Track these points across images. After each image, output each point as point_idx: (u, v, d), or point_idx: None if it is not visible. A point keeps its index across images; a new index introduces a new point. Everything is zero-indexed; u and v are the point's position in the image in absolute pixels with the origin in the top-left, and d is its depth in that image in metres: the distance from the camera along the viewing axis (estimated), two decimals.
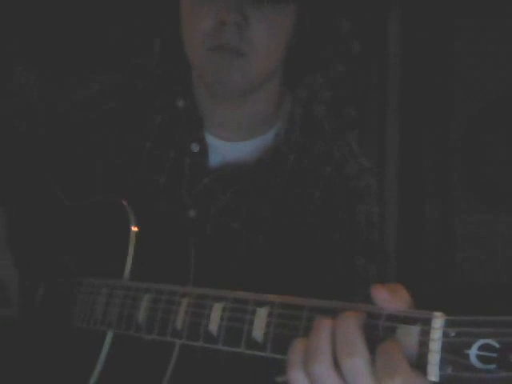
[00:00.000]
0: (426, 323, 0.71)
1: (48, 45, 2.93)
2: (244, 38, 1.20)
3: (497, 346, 0.65)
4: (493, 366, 0.65)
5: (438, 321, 0.70)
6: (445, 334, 0.69)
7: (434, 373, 0.69)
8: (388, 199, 3.54)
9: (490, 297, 3.33)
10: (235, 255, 1.31)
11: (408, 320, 0.73)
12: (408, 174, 3.62)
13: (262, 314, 0.87)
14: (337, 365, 0.75)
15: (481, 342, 0.65)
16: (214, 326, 0.93)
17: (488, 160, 3.52)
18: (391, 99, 3.62)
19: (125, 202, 1.22)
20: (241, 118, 1.37)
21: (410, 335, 0.71)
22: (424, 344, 0.70)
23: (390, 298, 0.75)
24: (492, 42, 3.46)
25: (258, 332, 0.87)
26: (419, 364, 0.71)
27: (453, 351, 0.68)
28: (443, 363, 0.68)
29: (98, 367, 1.09)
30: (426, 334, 0.70)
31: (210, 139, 1.36)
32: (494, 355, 0.65)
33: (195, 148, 1.35)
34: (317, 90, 1.44)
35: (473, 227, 3.51)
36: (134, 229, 1.17)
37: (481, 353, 0.66)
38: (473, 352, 0.66)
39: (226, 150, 1.37)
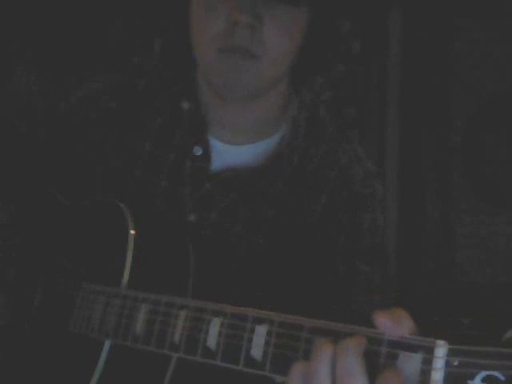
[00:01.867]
0: (429, 351, 0.69)
1: (48, 45, 2.93)
2: (256, 39, 1.18)
3: (502, 378, 0.63)
4: None
5: (441, 349, 0.68)
6: (447, 364, 0.67)
7: None
8: (388, 199, 3.53)
9: (489, 297, 3.32)
10: (236, 257, 1.30)
11: (410, 347, 0.71)
12: (408, 174, 3.61)
13: (260, 332, 0.86)
14: None
15: (485, 373, 0.63)
16: (212, 342, 0.92)
17: (488, 160, 3.51)
18: (391, 99, 3.60)
19: (123, 205, 1.20)
20: (247, 121, 1.35)
21: (411, 363, 0.70)
22: (426, 373, 0.68)
23: (391, 325, 0.73)
24: (492, 41, 3.45)
25: (256, 350, 0.86)
26: None
27: (455, 382, 0.66)
28: None
29: (96, 375, 1.08)
30: (428, 363, 0.69)
31: (213, 142, 1.34)
32: None
33: (197, 151, 1.33)
34: (318, 91, 1.42)
35: (473, 227, 3.51)
36: (133, 232, 1.16)
37: None
38: None
39: (229, 153, 1.35)
